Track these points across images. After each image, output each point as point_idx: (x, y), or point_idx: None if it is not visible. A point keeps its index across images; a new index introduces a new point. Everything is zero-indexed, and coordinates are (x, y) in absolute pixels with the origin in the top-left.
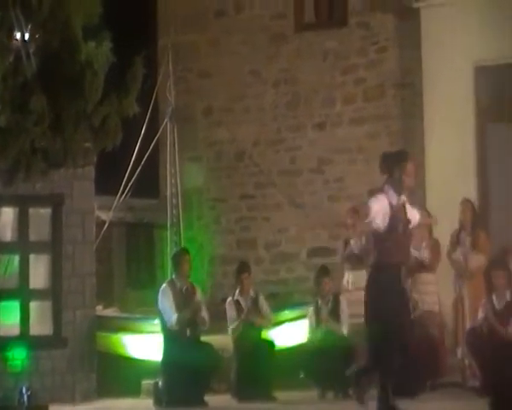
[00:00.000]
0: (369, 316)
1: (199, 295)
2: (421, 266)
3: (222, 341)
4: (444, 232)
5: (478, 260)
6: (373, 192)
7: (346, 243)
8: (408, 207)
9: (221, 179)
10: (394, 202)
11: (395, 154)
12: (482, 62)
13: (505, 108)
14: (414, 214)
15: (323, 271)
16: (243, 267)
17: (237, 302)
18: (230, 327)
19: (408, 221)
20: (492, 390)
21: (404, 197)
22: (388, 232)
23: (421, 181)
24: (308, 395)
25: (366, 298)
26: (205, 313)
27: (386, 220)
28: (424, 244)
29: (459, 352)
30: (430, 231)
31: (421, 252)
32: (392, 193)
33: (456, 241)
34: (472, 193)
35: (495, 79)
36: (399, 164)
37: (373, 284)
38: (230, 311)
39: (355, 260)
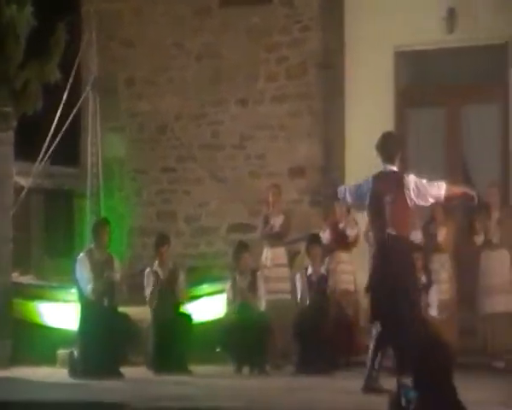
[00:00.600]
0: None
1: (117, 266)
2: (339, 247)
3: (139, 312)
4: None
5: None
6: (294, 171)
7: (266, 219)
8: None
9: (143, 151)
10: None
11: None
12: (402, 47)
13: (425, 93)
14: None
15: (242, 246)
16: (163, 239)
17: (156, 273)
18: (147, 295)
19: None
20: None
21: None
22: None
23: (340, 162)
24: (224, 369)
25: None
26: (122, 283)
27: None
28: (342, 225)
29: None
30: (348, 211)
31: (344, 231)
32: None
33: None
34: None
35: (415, 65)
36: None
37: None
38: (148, 281)
39: (275, 238)
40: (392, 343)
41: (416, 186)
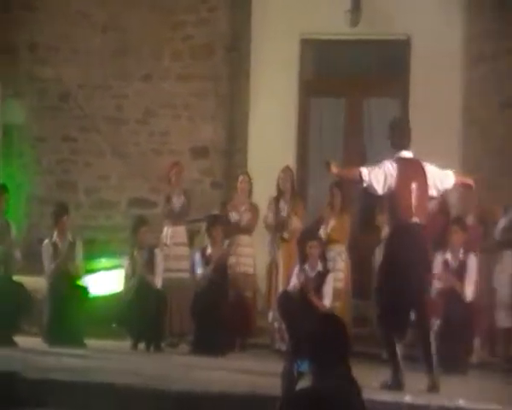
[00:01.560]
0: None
1: (13, 233)
2: (239, 228)
3: (35, 282)
4: (263, 197)
5: (294, 226)
6: (196, 151)
7: (168, 198)
8: None
9: (44, 119)
10: None
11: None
12: (308, 35)
13: (328, 83)
14: None
15: (141, 221)
16: (62, 210)
17: (54, 245)
18: (46, 267)
19: None
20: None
21: None
22: None
23: (244, 145)
24: (120, 344)
25: None
26: (18, 252)
27: None
28: (243, 208)
29: (270, 315)
30: (249, 195)
31: (240, 215)
32: None
33: (273, 207)
34: (291, 162)
35: (320, 54)
36: None
37: None
38: (47, 253)
39: (175, 216)
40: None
41: (434, 177)
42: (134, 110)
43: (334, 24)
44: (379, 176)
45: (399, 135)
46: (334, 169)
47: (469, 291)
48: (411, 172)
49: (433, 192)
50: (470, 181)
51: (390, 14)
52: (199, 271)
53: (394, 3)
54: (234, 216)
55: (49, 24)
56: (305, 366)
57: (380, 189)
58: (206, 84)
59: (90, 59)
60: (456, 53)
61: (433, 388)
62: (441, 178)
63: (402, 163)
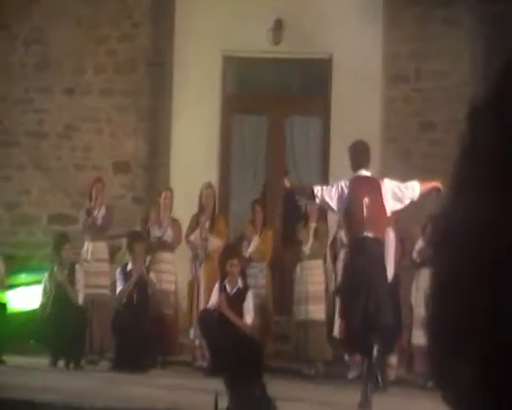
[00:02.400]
0: None
1: None
2: (161, 245)
3: None
4: (184, 214)
5: (215, 244)
6: (118, 166)
7: (89, 213)
8: None
9: None
10: None
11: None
12: (230, 52)
13: (250, 100)
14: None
15: (62, 237)
16: None
17: None
18: None
19: None
20: (220, 372)
21: None
22: None
23: (166, 161)
24: (39, 361)
25: None
26: None
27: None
28: (166, 223)
29: (191, 332)
30: (170, 211)
31: (163, 231)
32: None
33: (195, 223)
34: (214, 178)
35: (241, 71)
36: None
37: None
38: None
39: (95, 231)
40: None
41: (393, 191)
42: (55, 125)
43: (256, 41)
44: (332, 193)
45: (355, 156)
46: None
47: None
48: (364, 188)
49: (396, 205)
50: (437, 184)
51: (312, 32)
52: (119, 287)
53: (316, 22)
54: (155, 231)
55: None
56: None
57: (334, 205)
58: (128, 99)
59: (11, 72)
60: (377, 72)
61: (364, 405)
62: (403, 191)
63: (355, 181)
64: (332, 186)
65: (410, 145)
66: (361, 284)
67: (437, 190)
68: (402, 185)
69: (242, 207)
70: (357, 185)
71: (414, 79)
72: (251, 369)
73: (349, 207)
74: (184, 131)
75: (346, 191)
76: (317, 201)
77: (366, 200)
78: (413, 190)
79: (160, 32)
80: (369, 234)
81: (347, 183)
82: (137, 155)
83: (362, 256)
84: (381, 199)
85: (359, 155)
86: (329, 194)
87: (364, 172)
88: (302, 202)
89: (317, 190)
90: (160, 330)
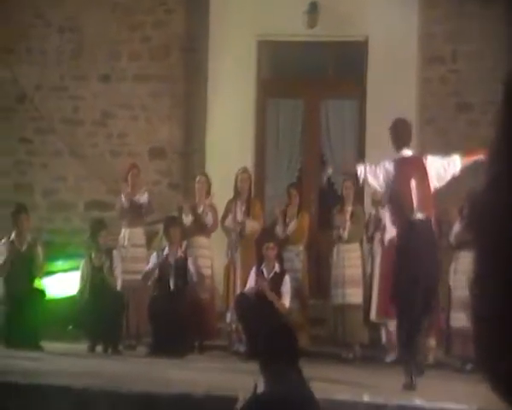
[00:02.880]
0: None
1: None
2: (198, 231)
3: None
4: (220, 199)
5: (252, 228)
6: (154, 152)
7: (126, 199)
8: None
9: (0, 120)
10: None
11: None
12: (265, 37)
13: (285, 84)
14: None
15: (100, 224)
16: (20, 209)
17: (12, 243)
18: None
19: None
20: (256, 356)
21: None
22: None
23: (201, 146)
24: (77, 347)
25: None
26: None
27: None
28: (201, 209)
29: (228, 316)
30: (208, 196)
31: (198, 216)
32: None
33: (230, 208)
34: (249, 163)
35: (277, 55)
36: None
37: None
38: (2, 251)
39: (131, 216)
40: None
41: (437, 170)
42: (91, 111)
43: (291, 25)
44: (377, 172)
45: (397, 135)
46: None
47: None
48: (411, 169)
49: (435, 184)
50: (478, 155)
51: (347, 14)
52: (152, 269)
53: (351, 4)
54: (190, 218)
55: (4, 24)
56: None
57: (378, 185)
58: (163, 85)
59: (47, 60)
60: (412, 53)
61: (409, 386)
62: (446, 169)
63: (401, 162)
64: (377, 166)
65: (446, 126)
66: (415, 269)
67: (479, 161)
68: (445, 162)
69: (278, 191)
70: (403, 166)
71: (450, 59)
72: (288, 353)
73: (396, 189)
74: (219, 117)
75: (391, 172)
76: (361, 180)
77: (413, 181)
78: (454, 165)
79: (194, 17)
80: (420, 216)
81: (392, 164)
82: (173, 140)
83: (414, 239)
84: (427, 179)
85: (401, 133)
86: (374, 173)
87: (407, 152)
88: (338, 186)
89: (361, 169)
90: (197, 315)
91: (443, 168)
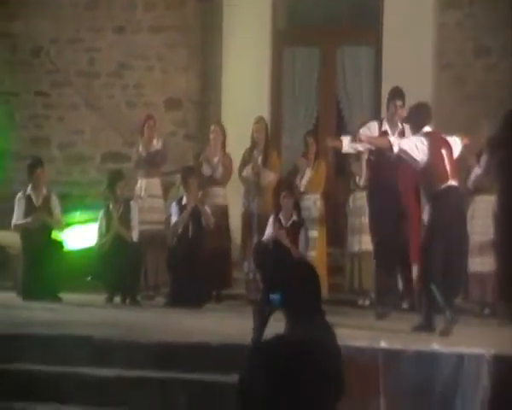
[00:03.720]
0: None
1: None
2: (213, 181)
3: (9, 237)
4: (237, 148)
5: (269, 178)
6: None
7: (142, 148)
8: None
9: (15, 74)
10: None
11: None
12: None
13: (301, 33)
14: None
15: (117, 175)
16: (37, 162)
17: (29, 198)
18: (15, 217)
19: None
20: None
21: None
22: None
23: (217, 96)
24: (96, 298)
25: None
26: None
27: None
28: (216, 159)
29: (245, 266)
30: (223, 146)
31: (214, 167)
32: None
33: (247, 158)
34: (265, 112)
35: (292, 4)
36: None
37: None
38: (20, 206)
39: (147, 166)
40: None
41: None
42: (107, 63)
43: None
44: (411, 143)
45: (419, 118)
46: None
47: None
48: (439, 140)
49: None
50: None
51: None
52: (174, 219)
53: None
54: (206, 169)
55: None
56: (277, 301)
57: (416, 155)
58: (178, 35)
59: (61, 13)
60: None
61: (445, 332)
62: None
63: (431, 135)
64: (409, 139)
65: (463, 71)
66: (446, 234)
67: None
68: (452, 140)
69: (295, 140)
70: (433, 138)
71: (467, 4)
72: (311, 293)
73: (431, 158)
74: (235, 66)
75: (425, 144)
76: (395, 150)
77: (444, 150)
78: (457, 145)
79: None
80: (454, 182)
81: (422, 137)
82: (189, 91)
83: (449, 205)
84: (452, 150)
85: (423, 117)
86: (408, 144)
87: (430, 129)
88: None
89: (393, 139)
90: (215, 264)
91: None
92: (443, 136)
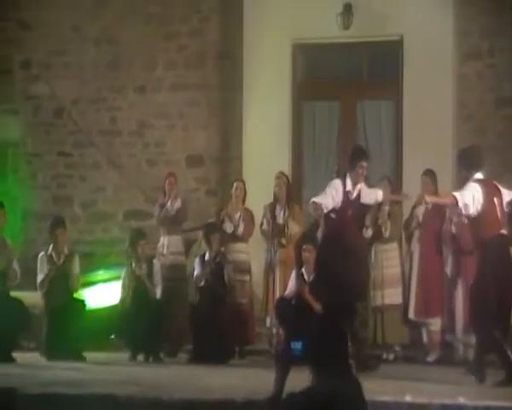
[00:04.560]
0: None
1: (11, 250)
2: (235, 237)
3: (32, 297)
4: (258, 204)
5: (293, 230)
6: (191, 160)
7: (162, 207)
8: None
9: (38, 135)
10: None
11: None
12: (300, 40)
13: (321, 87)
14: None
15: (138, 233)
16: (58, 222)
17: (50, 257)
18: (39, 279)
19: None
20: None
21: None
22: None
23: (238, 153)
24: (119, 356)
25: None
26: (16, 267)
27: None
28: (238, 214)
29: (268, 321)
30: (243, 202)
31: (235, 223)
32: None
33: (269, 213)
34: (286, 167)
35: (312, 58)
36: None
37: None
38: (42, 265)
39: (169, 224)
40: None
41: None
42: (128, 122)
43: (325, 27)
44: (470, 195)
45: (472, 161)
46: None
47: None
48: (491, 187)
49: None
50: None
51: (381, 14)
52: (196, 272)
53: (385, 4)
54: (228, 226)
55: (43, 40)
56: (298, 348)
57: (472, 209)
58: (198, 93)
59: (83, 73)
60: (448, 50)
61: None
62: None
63: (482, 182)
64: (466, 190)
65: (485, 122)
66: (501, 282)
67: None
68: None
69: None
70: (486, 186)
71: (487, 54)
72: (339, 352)
73: (485, 207)
74: (256, 122)
75: (479, 192)
76: (461, 205)
77: (496, 199)
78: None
79: (228, 24)
80: (504, 232)
81: (478, 185)
82: (210, 148)
83: (499, 253)
84: (502, 198)
85: (476, 163)
86: (469, 197)
87: (482, 176)
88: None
89: (459, 196)
90: (237, 320)
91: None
92: (495, 183)
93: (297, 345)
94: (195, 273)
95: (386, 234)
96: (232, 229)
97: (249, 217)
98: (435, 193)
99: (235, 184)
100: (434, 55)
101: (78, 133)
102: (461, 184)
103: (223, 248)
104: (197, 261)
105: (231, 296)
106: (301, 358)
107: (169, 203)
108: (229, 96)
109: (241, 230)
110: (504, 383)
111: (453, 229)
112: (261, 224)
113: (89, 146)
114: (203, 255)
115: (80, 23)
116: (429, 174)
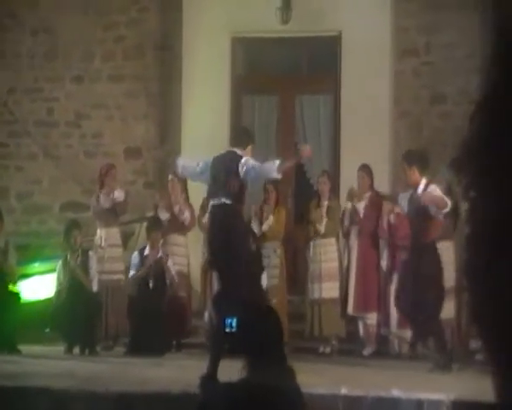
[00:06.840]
0: None
1: None
2: (175, 228)
3: None
4: (196, 197)
5: None
6: (129, 152)
7: (102, 198)
8: None
9: None
10: None
11: None
12: (239, 34)
13: (260, 81)
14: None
15: (72, 224)
16: None
17: None
18: None
19: None
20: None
21: None
22: None
23: (177, 145)
24: (54, 349)
25: None
26: None
27: None
28: (177, 207)
29: (206, 315)
30: (183, 194)
31: (179, 213)
32: None
33: (206, 206)
34: None
35: (251, 52)
36: None
37: None
38: None
39: (107, 216)
40: None
41: None
42: (65, 113)
43: (264, 22)
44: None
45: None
46: (427, 198)
47: None
48: None
49: None
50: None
51: (320, 10)
52: (132, 272)
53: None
54: (166, 215)
55: None
56: (233, 325)
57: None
58: (137, 84)
59: (19, 63)
60: (386, 46)
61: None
62: None
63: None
64: (438, 191)
65: (420, 119)
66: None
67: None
68: None
69: (254, 187)
70: None
71: (423, 51)
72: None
73: None
74: (195, 115)
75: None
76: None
77: None
78: None
79: (167, 15)
80: None
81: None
82: (148, 140)
83: None
84: None
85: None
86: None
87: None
88: (314, 180)
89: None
90: (175, 313)
91: None
92: None
93: (231, 321)
94: (134, 269)
95: (322, 229)
96: (167, 217)
97: (190, 209)
98: (371, 188)
99: (170, 177)
100: (372, 51)
101: (14, 123)
102: (400, 180)
103: (161, 241)
104: (136, 257)
105: (170, 290)
106: (233, 345)
107: (111, 195)
108: (167, 88)
109: (186, 221)
110: (436, 368)
111: (392, 218)
112: (199, 217)
113: (25, 136)
114: (142, 250)
115: (16, 11)
116: (365, 169)
